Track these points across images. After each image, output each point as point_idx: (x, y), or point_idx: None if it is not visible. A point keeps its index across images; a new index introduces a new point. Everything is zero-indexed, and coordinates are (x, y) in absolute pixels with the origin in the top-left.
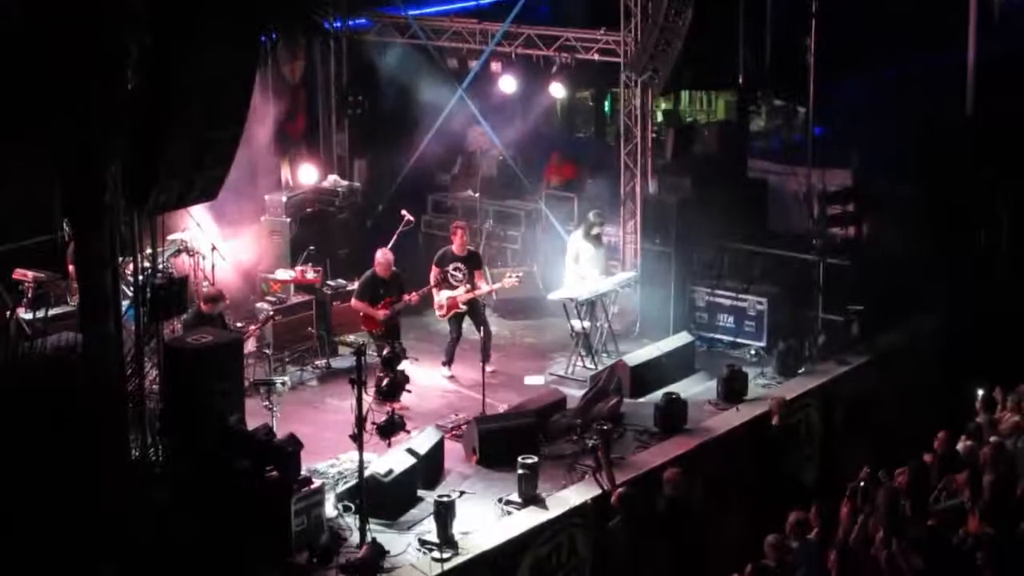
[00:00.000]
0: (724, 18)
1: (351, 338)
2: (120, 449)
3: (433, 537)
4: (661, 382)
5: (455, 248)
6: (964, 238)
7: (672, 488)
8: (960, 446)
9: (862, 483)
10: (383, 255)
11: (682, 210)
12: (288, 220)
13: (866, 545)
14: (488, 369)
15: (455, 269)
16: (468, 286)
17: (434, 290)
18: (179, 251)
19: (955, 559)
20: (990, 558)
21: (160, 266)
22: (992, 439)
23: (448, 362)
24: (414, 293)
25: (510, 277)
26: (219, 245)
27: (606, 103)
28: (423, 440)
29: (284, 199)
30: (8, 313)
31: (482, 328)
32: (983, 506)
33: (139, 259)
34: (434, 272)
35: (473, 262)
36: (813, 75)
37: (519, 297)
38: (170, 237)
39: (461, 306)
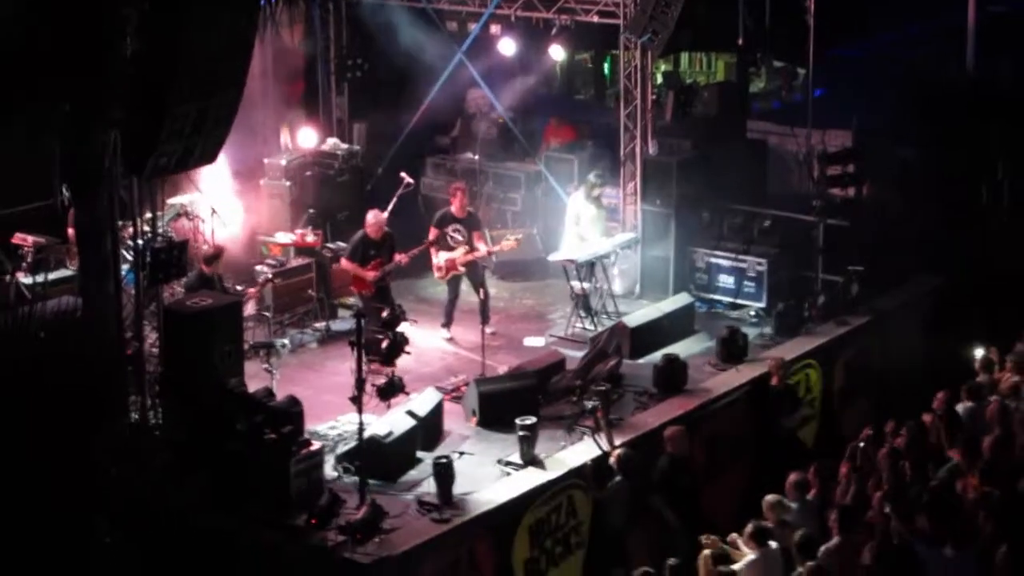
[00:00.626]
0: None
1: (351, 300)
2: (120, 412)
3: (433, 498)
4: (661, 343)
5: (454, 210)
6: (964, 199)
7: (673, 445)
8: (960, 407)
9: (862, 443)
10: (375, 216)
11: (682, 171)
12: (288, 183)
13: (865, 505)
14: (487, 331)
15: (454, 231)
16: (467, 247)
17: (432, 251)
18: (179, 215)
19: (956, 519)
20: (992, 516)
21: (160, 230)
22: (993, 398)
23: (447, 324)
24: (404, 255)
25: (509, 239)
26: (223, 206)
27: (606, 65)
28: (423, 402)
29: (284, 162)
30: (8, 277)
31: (481, 290)
32: (983, 466)
33: (139, 223)
34: (432, 233)
35: (472, 223)
36: (813, 36)
37: (519, 259)
38: (170, 201)
39: (460, 268)
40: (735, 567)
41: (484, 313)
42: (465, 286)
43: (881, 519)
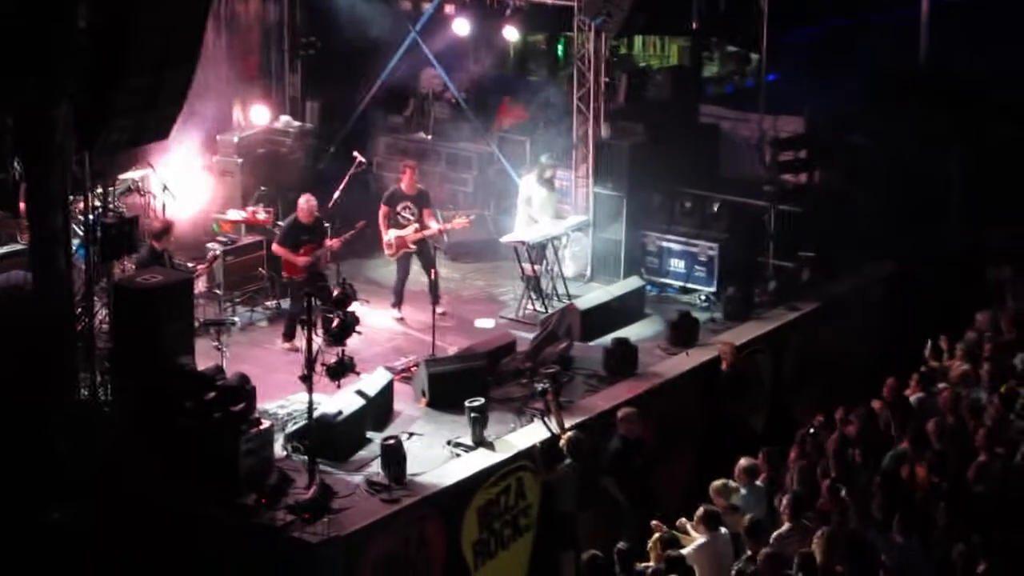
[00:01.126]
0: None
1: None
2: (69, 388)
3: (382, 479)
4: (611, 326)
5: (404, 187)
6: (916, 186)
7: (626, 427)
8: (911, 395)
9: (812, 430)
10: (306, 200)
11: (634, 154)
12: (240, 160)
13: (815, 491)
14: (438, 311)
15: (404, 208)
16: (417, 225)
17: (383, 228)
18: (130, 190)
19: (906, 506)
20: (947, 508)
21: (111, 205)
22: (943, 386)
23: (397, 303)
24: (336, 240)
25: (460, 218)
26: (174, 183)
27: (559, 47)
28: (373, 382)
29: (236, 139)
30: None
31: (432, 271)
32: (933, 455)
33: (90, 199)
34: (382, 210)
35: (423, 201)
36: (766, 21)
37: (470, 240)
38: (121, 176)
39: (410, 245)
40: (684, 551)
41: (434, 293)
42: (416, 266)
43: (830, 506)
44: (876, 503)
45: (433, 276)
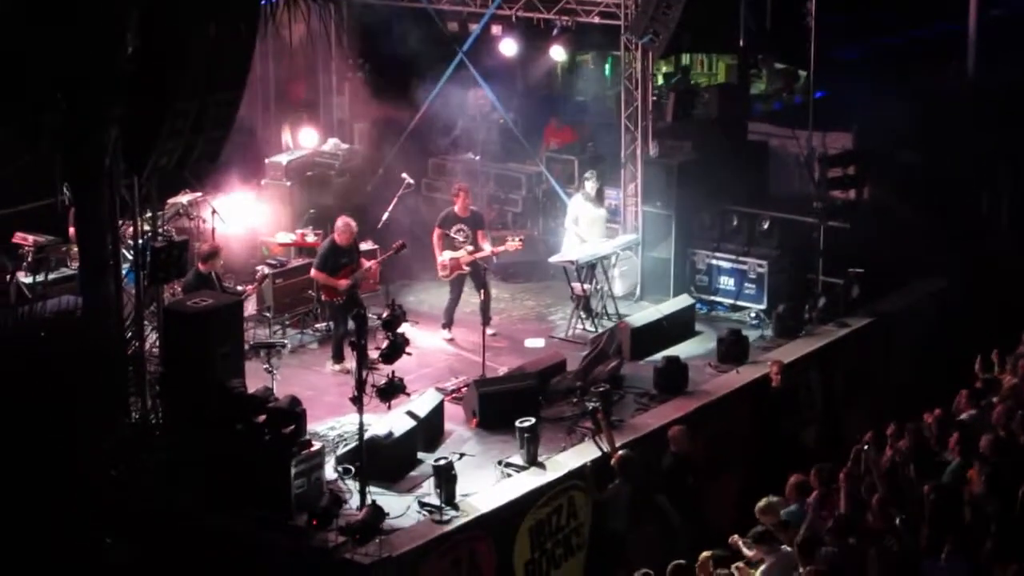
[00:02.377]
0: None
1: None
2: (120, 412)
3: (433, 499)
4: (661, 344)
5: (458, 209)
6: (965, 202)
7: (677, 444)
8: (962, 411)
9: (865, 447)
10: (344, 223)
11: (683, 173)
12: (289, 183)
13: (863, 509)
14: (488, 332)
15: (457, 231)
16: (471, 247)
17: (437, 250)
18: (179, 214)
19: (958, 526)
20: (995, 529)
21: (160, 230)
22: (994, 400)
23: (448, 324)
24: (373, 261)
25: (513, 240)
26: (223, 206)
27: (607, 66)
28: (423, 403)
29: (285, 162)
30: (8, 277)
31: (482, 290)
32: (987, 470)
33: (139, 222)
34: (436, 233)
35: (476, 223)
36: (814, 38)
37: (520, 260)
38: (171, 200)
39: (464, 267)
40: (755, 573)
41: (485, 314)
42: (468, 287)
43: (880, 524)
44: (927, 523)
45: (484, 297)
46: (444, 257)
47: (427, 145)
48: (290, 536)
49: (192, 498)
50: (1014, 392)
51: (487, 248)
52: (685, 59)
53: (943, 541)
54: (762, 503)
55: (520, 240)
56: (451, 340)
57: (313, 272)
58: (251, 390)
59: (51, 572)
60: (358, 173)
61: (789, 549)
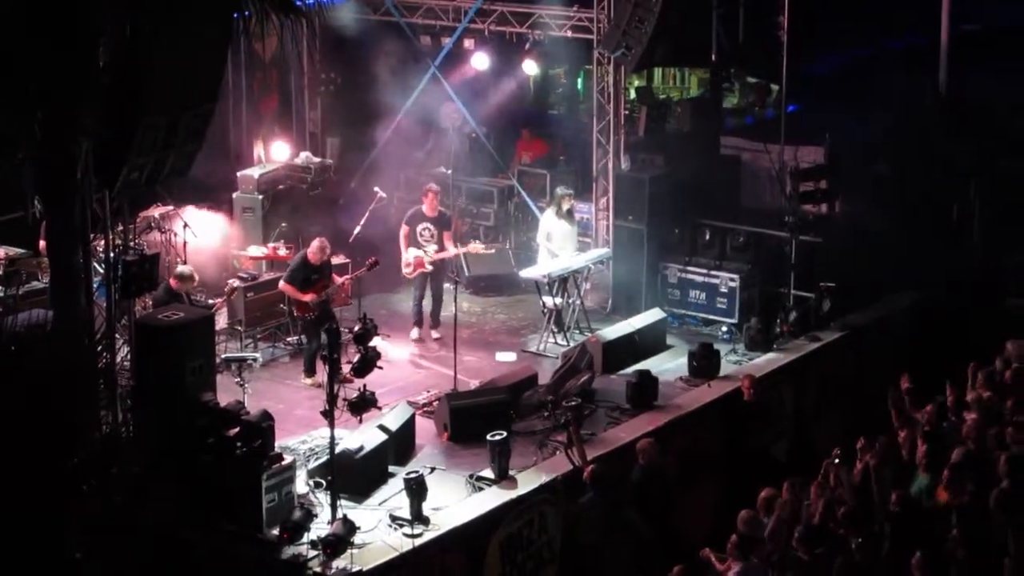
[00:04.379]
0: None
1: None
2: (91, 426)
3: (404, 513)
4: (633, 359)
5: (426, 209)
6: (937, 215)
7: (645, 457)
8: (932, 423)
9: (836, 460)
10: (319, 244)
11: (654, 187)
12: (260, 197)
13: (833, 522)
14: (434, 335)
15: (423, 229)
16: (436, 247)
17: (403, 247)
18: (150, 227)
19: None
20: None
21: (132, 243)
22: (966, 415)
23: (417, 323)
24: (345, 277)
25: (478, 244)
26: (195, 220)
27: (579, 80)
28: (394, 417)
29: (257, 176)
30: None
31: (440, 294)
32: (953, 480)
33: (110, 236)
34: (404, 230)
35: (442, 224)
36: (786, 52)
37: (491, 274)
38: (142, 214)
39: (427, 266)
40: None
41: (435, 318)
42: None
43: (848, 535)
44: (890, 535)
45: (434, 304)
46: (408, 255)
47: (399, 159)
48: (261, 550)
49: (163, 512)
50: (988, 406)
51: (451, 250)
52: (657, 74)
53: (906, 553)
54: (747, 513)
55: (486, 245)
56: (419, 341)
57: (281, 284)
58: (223, 404)
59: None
60: (330, 187)
61: (757, 561)
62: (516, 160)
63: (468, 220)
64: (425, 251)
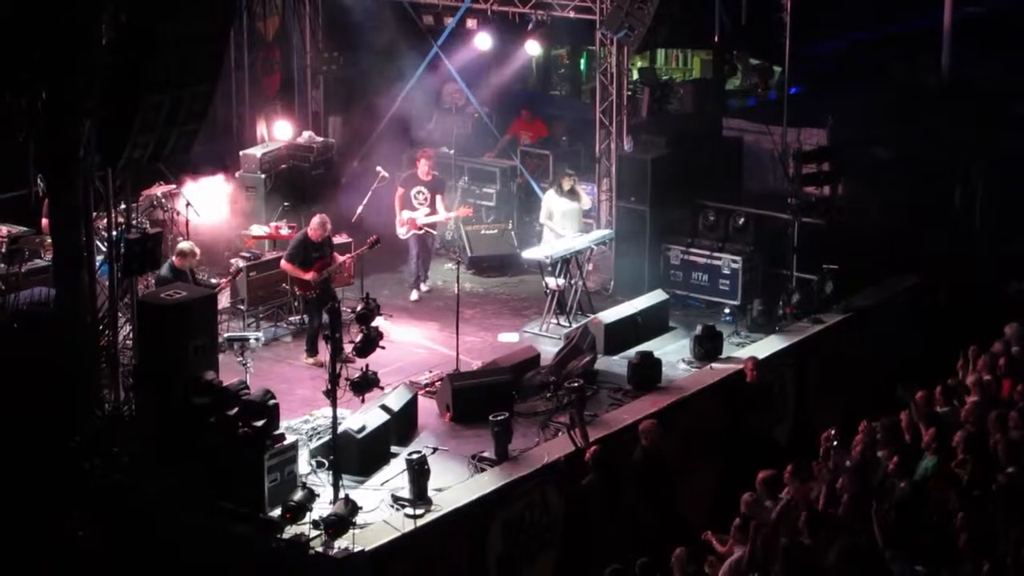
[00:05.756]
0: None
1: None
2: (93, 404)
3: (406, 493)
4: (635, 340)
5: (420, 173)
6: (939, 198)
7: (647, 439)
8: (937, 407)
9: (834, 442)
10: (320, 220)
11: (657, 168)
12: (263, 176)
13: (836, 505)
14: (423, 288)
15: (417, 192)
16: (428, 209)
17: (398, 208)
18: (153, 206)
19: (927, 527)
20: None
21: (134, 222)
22: (968, 397)
23: (415, 284)
24: (347, 256)
25: (462, 207)
26: (198, 198)
27: (582, 61)
28: (397, 397)
29: (259, 155)
30: None
31: (426, 252)
32: (957, 464)
33: (113, 214)
34: (398, 191)
35: (435, 187)
36: (789, 34)
37: (494, 254)
38: (145, 192)
39: (419, 228)
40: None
41: (424, 270)
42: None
43: (849, 519)
44: (894, 523)
45: (426, 260)
46: (403, 216)
47: (402, 139)
48: (263, 529)
49: (164, 491)
50: (987, 389)
51: (442, 213)
52: (660, 55)
53: (908, 537)
54: (750, 496)
55: (468, 207)
56: (418, 301)
57: (282, 263)
58: (225, 383)
59: (24, 562)
60: (333, 166)
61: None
62: (507, 138)
63: (471, 200)
64: (416, 213)
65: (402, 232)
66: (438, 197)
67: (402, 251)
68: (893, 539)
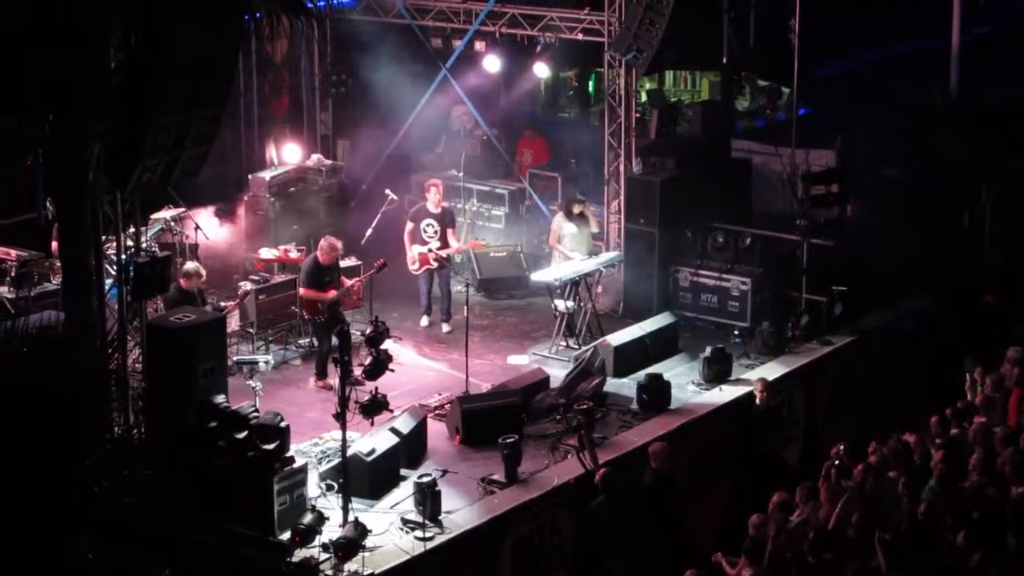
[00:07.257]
0: None
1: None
2: (103, 428)
3: (416, 516)
4: (644, 362)
5: (430, 205)
6: (947, 219)
7: (657, 461)
8: (940, 430)
9: (836, 462)
10: (328, 243)
11: (666, 190)
12: (272, 199)
13: (844, 526)
14: (446, 329)
15: (427, 225)
16: (439, 243)
17: (407, 244)
18: (162, 229)
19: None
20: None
21: (143, 245)
22: (976, 418)
23: (426, 312)
24: (355, 279)
25: (474, 239)
26: (207, 222)
27: (590, 83)
28: (406, 419)
29: (268, 178)
30: None
31: (443, 288)
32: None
33: (122, 238)
34: (408, 226)
35: (445, 220)
36: (798, 56)
37: (503, 276)
38: (154, 216)
39: (432, 262)
40: None
41: (446, 312)
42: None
43: (859, 540)
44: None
45: (445, 298)
46: (413, 251)
47: (410, 162)
48: (272, 553)
49: (174, 514)
50: (990, 407)
51: (453, 245)
52: (668, 77)
53: (910, 563)
54: (758, 518)
55: (480, 240)
56: (428, 326)
57: (301, 291)
58: (234, 406)
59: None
60: (341, 189)
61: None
62: (519, 159)
63: (480, 223)
64: (429, 248)
65: (414, 269)
66: (449, 231)
67: (411, 276)
68: (895, 564)
